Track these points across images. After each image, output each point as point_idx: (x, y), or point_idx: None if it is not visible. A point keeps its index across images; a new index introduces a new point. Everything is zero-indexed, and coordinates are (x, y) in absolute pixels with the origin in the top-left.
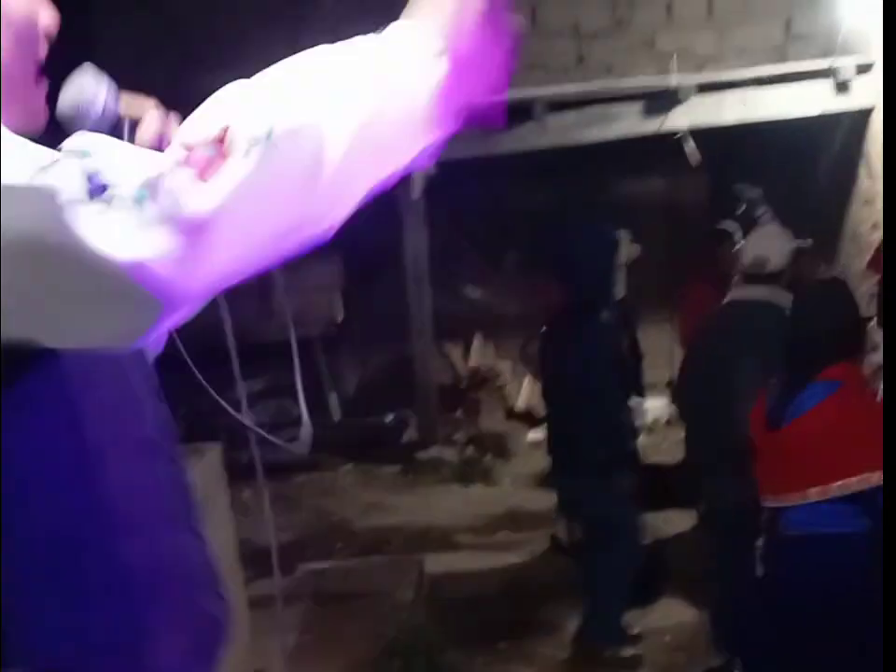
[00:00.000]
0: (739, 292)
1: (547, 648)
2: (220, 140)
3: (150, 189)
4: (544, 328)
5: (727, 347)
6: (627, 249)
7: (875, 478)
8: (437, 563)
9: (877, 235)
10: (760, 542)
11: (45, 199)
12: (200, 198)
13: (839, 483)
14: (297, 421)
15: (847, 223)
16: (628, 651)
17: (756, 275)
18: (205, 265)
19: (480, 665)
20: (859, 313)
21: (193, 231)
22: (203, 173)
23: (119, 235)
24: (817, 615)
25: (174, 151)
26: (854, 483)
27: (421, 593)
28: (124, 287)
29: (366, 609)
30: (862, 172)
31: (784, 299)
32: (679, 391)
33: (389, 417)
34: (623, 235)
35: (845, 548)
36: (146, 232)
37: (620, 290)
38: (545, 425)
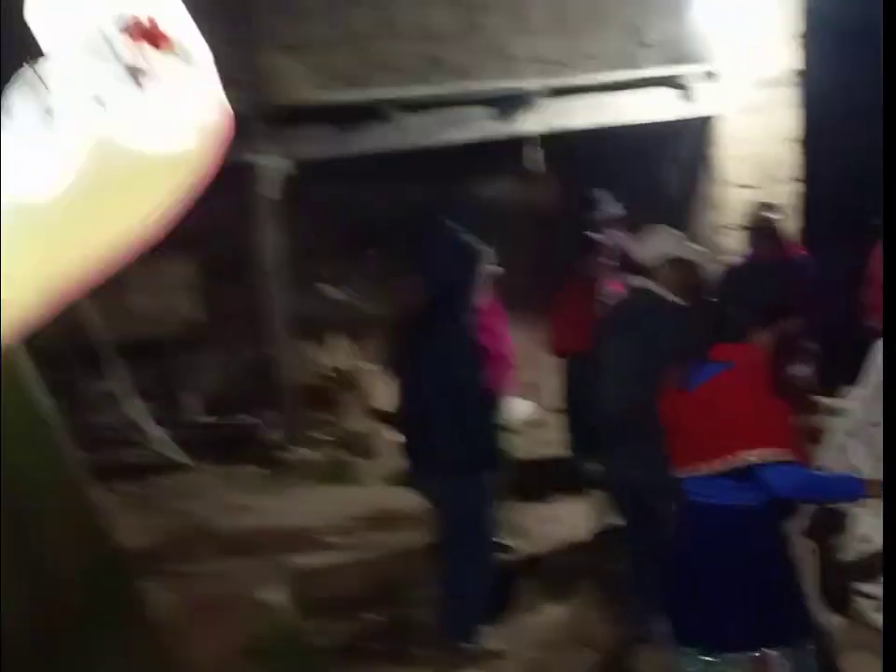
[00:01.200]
0: (634, 284)
1: (419, 647)
2: None
3: None
4: (401, 329)
5: (626, 337)
6: (489, 261)
7: (755, 456)
8: (306, 564)
9: (726, 238)
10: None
11: None
12: None
13: (720, 459)
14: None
15: (696, 226)
16: (493, 647)
17: (645, 269)
18: None
19: (352, 667)
20: (764, 296)
21: None
22: None
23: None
24: (721, 579)
25: None
26: (733, 461)
27: (290, 595)
28: None
29: (233, 612)
30: (709, 177)
31: (665, 291)
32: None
33: (253, 418)
34: (486, 250)
35: (736, 518)
36: None
37: (481, 298)
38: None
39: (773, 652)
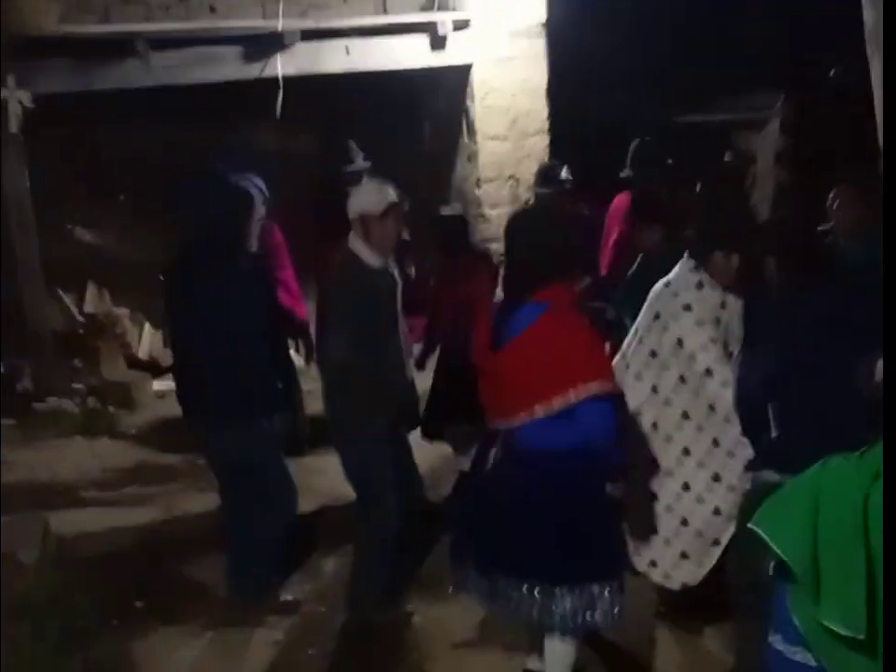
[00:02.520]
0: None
1: (187, 603)
2: None
3: None
4: (168, 273)
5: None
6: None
7: (575, 394)
8: (63, 521)
9: (482, 191)
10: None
11: None
12: None
13: (559, 397)
14: None
15: (453, 178)
16: (285, 598)
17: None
18: None
19: (116, 626)
20: (563, 238)
21: None
22: None
23: None
24: (548, 518)
25: None
26: (572, 395)
27: (47, 553)
28: None
29: None
30: (464, 128)
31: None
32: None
33: (1, 366)
34: (258, 193)
35: (562, 459)
36: None
37: (253, 244)
38: (172, 373)
39: (595, 586)
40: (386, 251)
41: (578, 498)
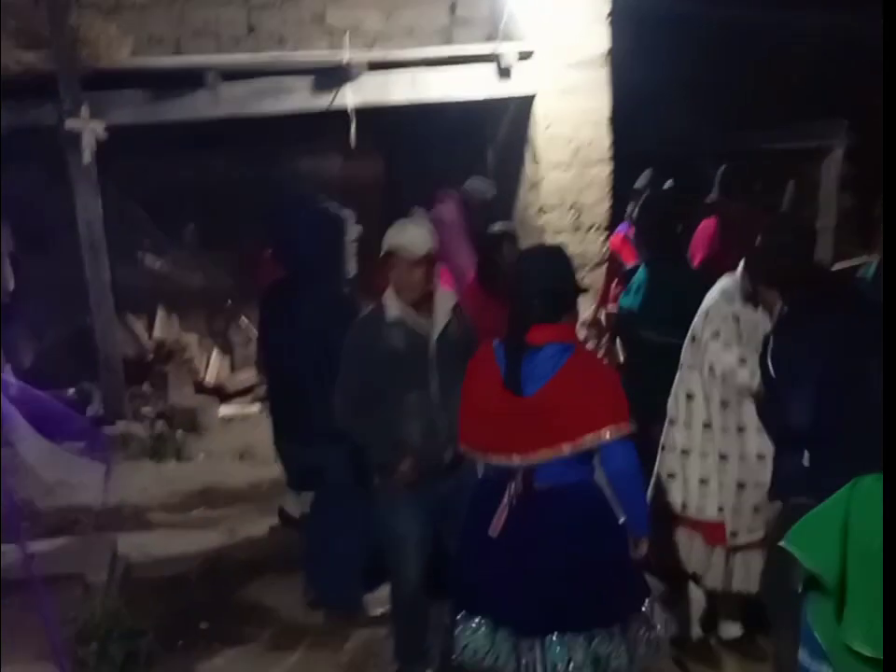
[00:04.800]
0: None
1: (250, 626)
2: None
3: None
4: (264, 298)
5: None
6: (354, 227)
7: (608, 433)
8: (131, 543)
9: (545, 219)
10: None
11: None
12: None
13: (591, 435)
14: None
15: (516, 207)
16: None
17: None
18: None
19: (181, 647)
20: (572, 276)
21: None
22: None
23: None
24: (572, 555)
25: None
26: (603, 435)
27: (115, 574)
28: None
29: (56, 593)
30: (528, 157)
31: None
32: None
33: (71, 391)
34: (349, 213)
35: (579, 493)
36: None
37: (352, 267)
38: (262, 396)
39: (613, 629)
40: (404, 299)
41: (599, 533)
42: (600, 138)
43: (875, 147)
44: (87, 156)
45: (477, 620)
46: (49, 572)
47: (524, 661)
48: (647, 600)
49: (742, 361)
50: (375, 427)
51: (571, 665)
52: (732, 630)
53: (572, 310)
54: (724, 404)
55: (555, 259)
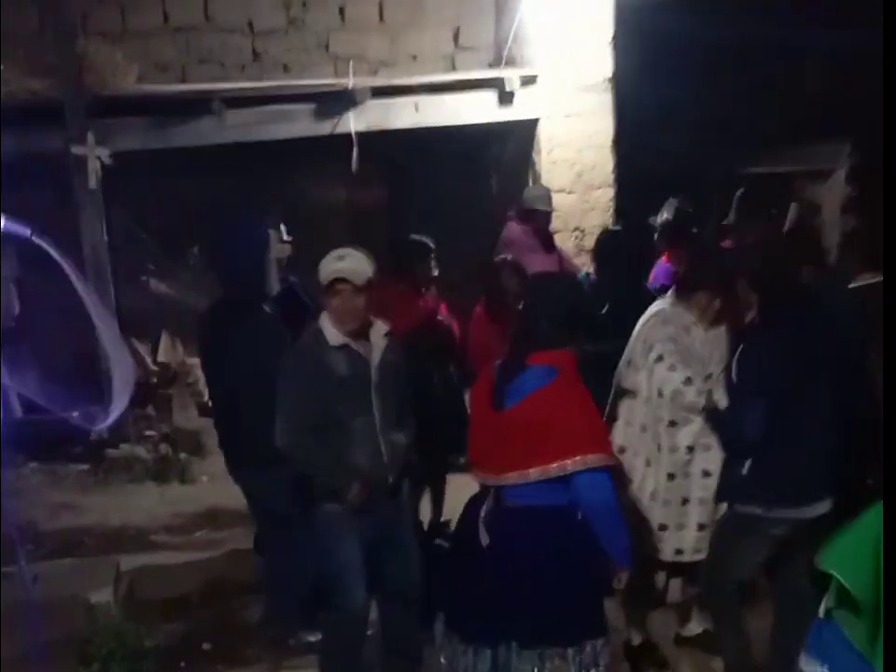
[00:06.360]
0: None
1: (252, 647)
2: None
3: None
4: (205, 321)
5: None
6: (278, 247)
7: (572, 464)
8: (134, 564)
9: None
10: (483, 512)
11: None
12: None
13: (557, 463)
14: None
15: None
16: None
17: None
18: None
19: (183, 669)
20: (578, 304)
21: None
22: None
23: None
24: (532, 573)
25: None
26: (571, 465)
27: (118, 595)
28: None
29: (59, 613)
30: (531, 181)
31: None
32: None
33: (75, 414)
34: (273, 233)
35: (553, 517)
36: None
37: (273, 286)
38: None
39: (599, 641)
40: (345, 326)
41: (563, 557)
42: (603, 162)
43: (878, 169)
44: (92, 182)
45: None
46: (52, 594)
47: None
48: (602, 638)
49: (688, 381)
50: (321, 452)
51: None
52: (692, 627)
53: (578, 337)
54: (672, 423)
55: (565, 287)
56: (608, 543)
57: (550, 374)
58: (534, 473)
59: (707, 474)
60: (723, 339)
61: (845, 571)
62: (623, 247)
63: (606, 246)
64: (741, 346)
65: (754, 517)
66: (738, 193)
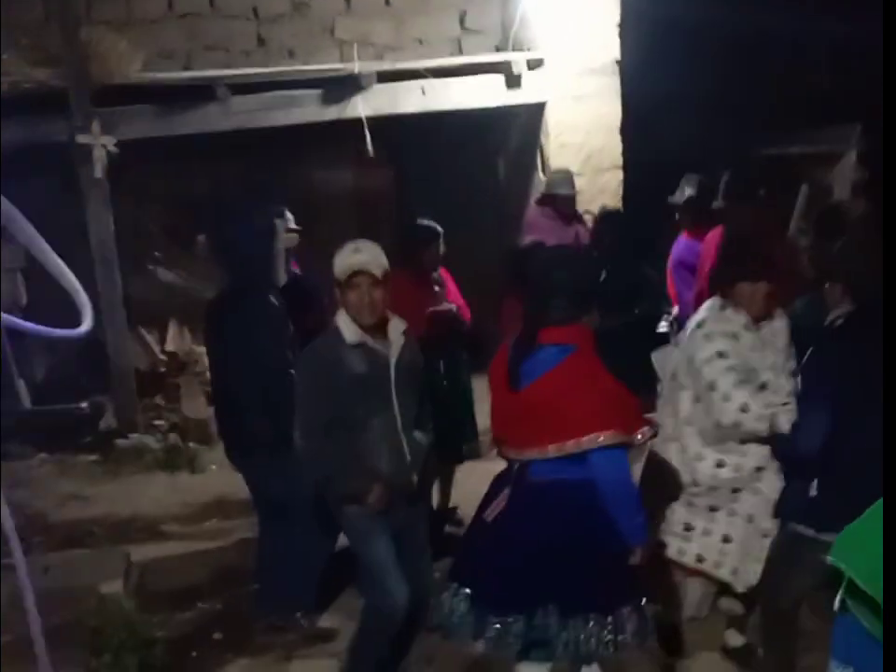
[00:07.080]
0: None
1: (262, 636)
2: None
3: None
4: (209, 309)
5: None
6: (285, 236)
7: (588, 441)
8: (144, 554)
9: None
10: (506, 491)
11: None
12: None
13: (573, 441)
14: None
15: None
16: (325, 626)
17: None
18: None
19: (194, 658)
20: (592, 278)
21: None
22: None
23: None
24: (559, 548)
25: None
26: (585, 442)
27: (129, 585)
28: None
29: (70, 604)
30: (539, 165)
31: None
32: None
33: (84, 404)
34: (280, 223)
35: (577, 490)
36: None
37: (280, 275)
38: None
39: (625, 609)
40: (364, 320)
41: (587, 531)
42: (611, 145)
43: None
44: (98, 170)
45: (462, 590)
46: (63, 584)
47: (500, 632)
48: (639, 600)
49: (744, 408)
50: (341, 454)
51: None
52: (735, 639)
53: (590, 313)
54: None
55: (577, 261)
56: (621, 519)
57: (563, 353)
58: (552, 450)
59: (735, 490)
60: (781, 334)
61: (853, 564)
62: (620, 227)
63: (604, 226)
64: (812, 351)
65: (806, 539)
66: (724, 177)
